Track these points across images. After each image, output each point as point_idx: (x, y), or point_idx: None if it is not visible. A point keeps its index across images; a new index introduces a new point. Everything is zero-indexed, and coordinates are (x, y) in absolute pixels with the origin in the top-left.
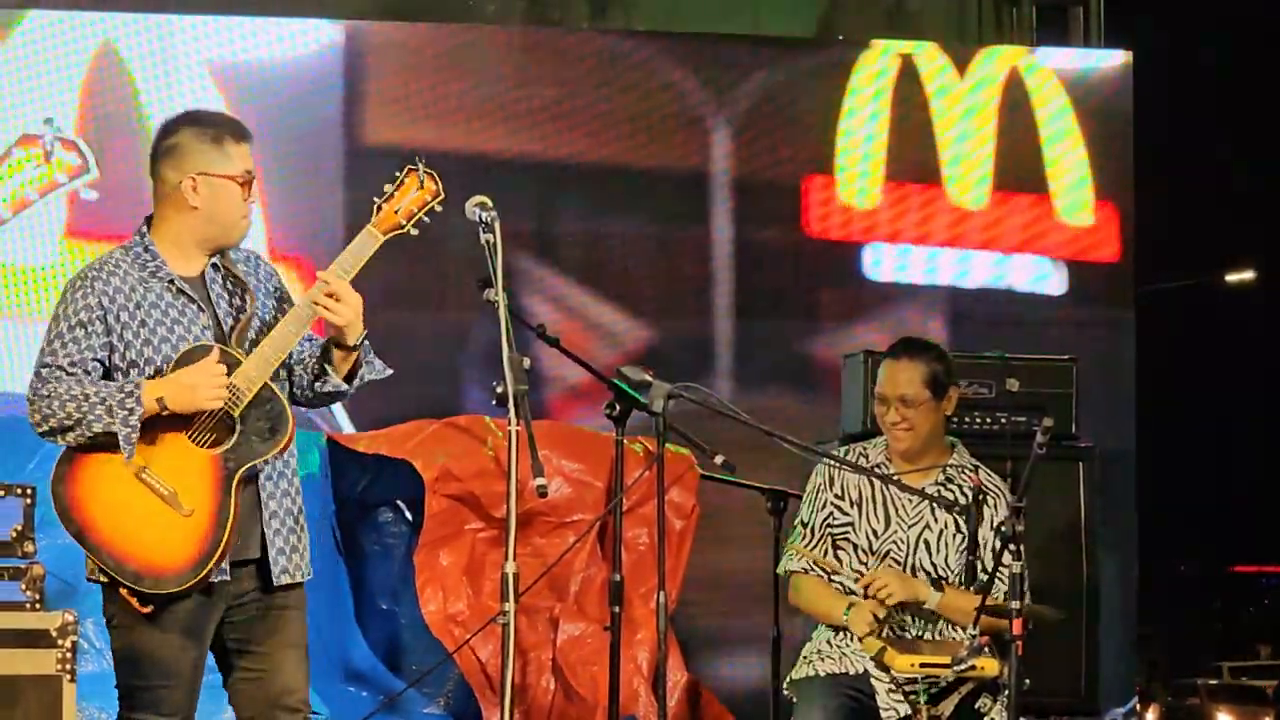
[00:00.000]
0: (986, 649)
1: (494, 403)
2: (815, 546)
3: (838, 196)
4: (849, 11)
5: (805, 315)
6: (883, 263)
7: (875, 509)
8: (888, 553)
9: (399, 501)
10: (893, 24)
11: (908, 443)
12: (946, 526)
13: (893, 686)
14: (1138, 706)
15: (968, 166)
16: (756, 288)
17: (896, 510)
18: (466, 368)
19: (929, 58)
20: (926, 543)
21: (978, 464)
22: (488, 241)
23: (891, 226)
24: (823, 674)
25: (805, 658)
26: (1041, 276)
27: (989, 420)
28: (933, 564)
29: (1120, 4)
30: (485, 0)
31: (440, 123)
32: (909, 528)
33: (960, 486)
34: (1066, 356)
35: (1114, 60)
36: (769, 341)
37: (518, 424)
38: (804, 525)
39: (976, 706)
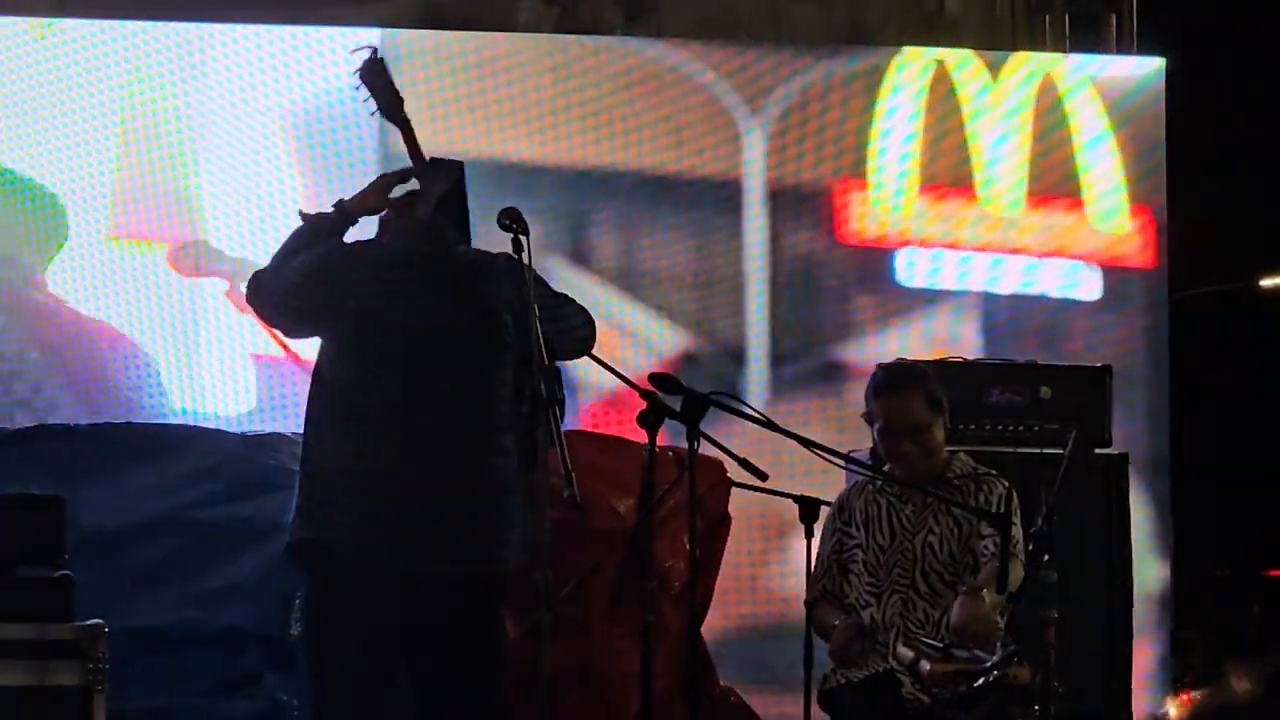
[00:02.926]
0: (1017, 657)
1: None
2: (825, 576)
3: (871, 202)
4: (880, 17)
5: (839, 321)
6: (916, 268)
7: (880, 526)
8: (895, 565)
9: None
10: (924, 30)
11: (924, 466)
12: (945, 527)
13: (918, 687)
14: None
15: (1002, 172)
16: (790, 293)
17: (899, 523)
18: None
19: (963, 63)
20: (930, 546)
21: (976, 465)
22: (518, 250)
23: (925, 232)
24: (854, 680)
25: (833, 669)
26: (1075, 282)
27: (1021, 427)
28: (940, 564)
29: (1154, 10)
30: (517, 8)
31: (475, 129)
32: (913, 536)
33: (964, 488)
34: (1100, 364)
35: (1148, 66)
36: (803, 347)
37: (549, 432)
38: (818, 556)
39: (1008, 715)
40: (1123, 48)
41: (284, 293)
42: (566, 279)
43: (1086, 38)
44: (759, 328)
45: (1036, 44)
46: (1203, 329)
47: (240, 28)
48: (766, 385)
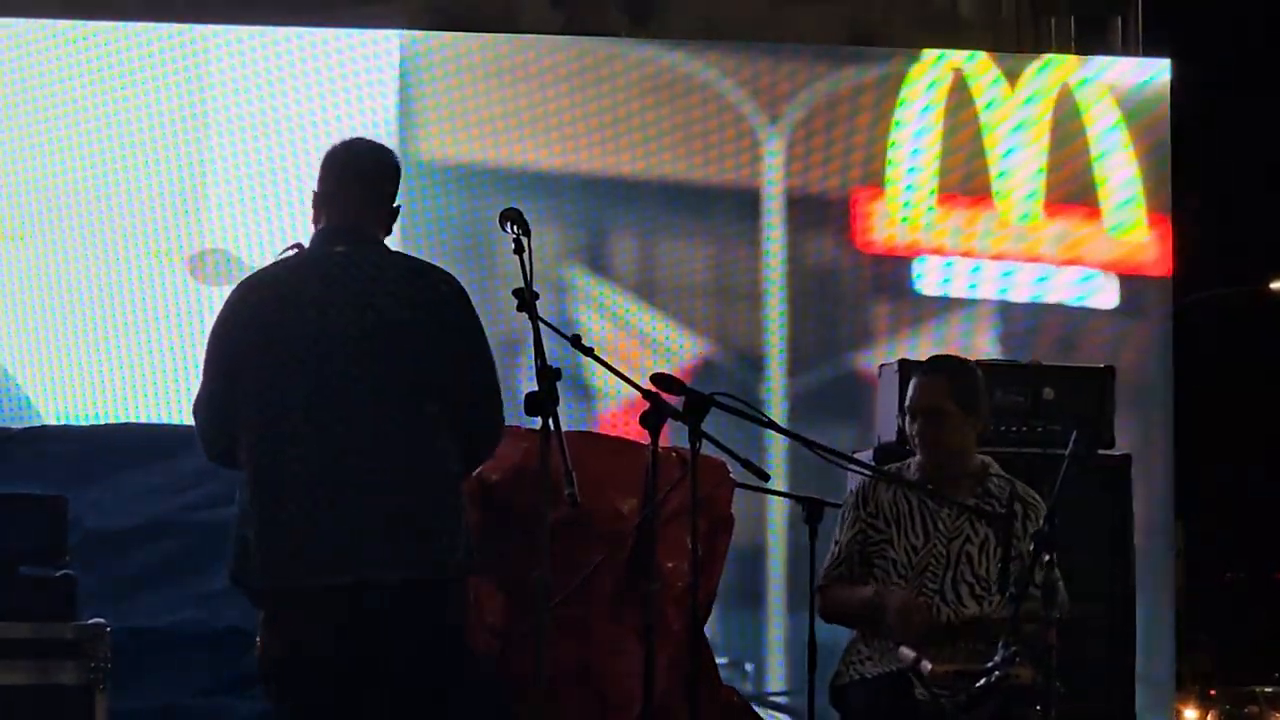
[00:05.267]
0: (1018, 658)
1: (524, 412)
2: (844, 564)
3: (890, 210)
4: (884, 20)
5: (856, 328)
6: (933, 276)
7: (914, 525)
8: (927, 567)
9: None
10: (929, 33)
11: (933, 454)
12: (987, 539)
13: (928, 688)
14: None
15: (1018, 180)
16: (808, 301)
17: (935, 525)
18: (521, 377)
19: (980, 70)
20: (968, 555)
21: (1013, 479)
22: (520, 251)
23: (942, 240)
24: (869, 676)
25: (848, 663)
26: (1092, 290)
27: (1024, 429)
28: (975, 575)
29: (1160, 12)
30: (522, 11)
31: (493, 135)
32: (949, 542)
33: (997, 500)
34: (1102, 365)
35: (1157, 69)
36: (821, 355)
37: (550, 432)
38: (836, 543)
39: (1010, 715)
40: (1128, 50)
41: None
42: (585, 287)
43: (1092, 40)
44: (777, 335)
45: (1041, 46)
46: (1214, 331)
47: (249, 30)
48: (784, 393)
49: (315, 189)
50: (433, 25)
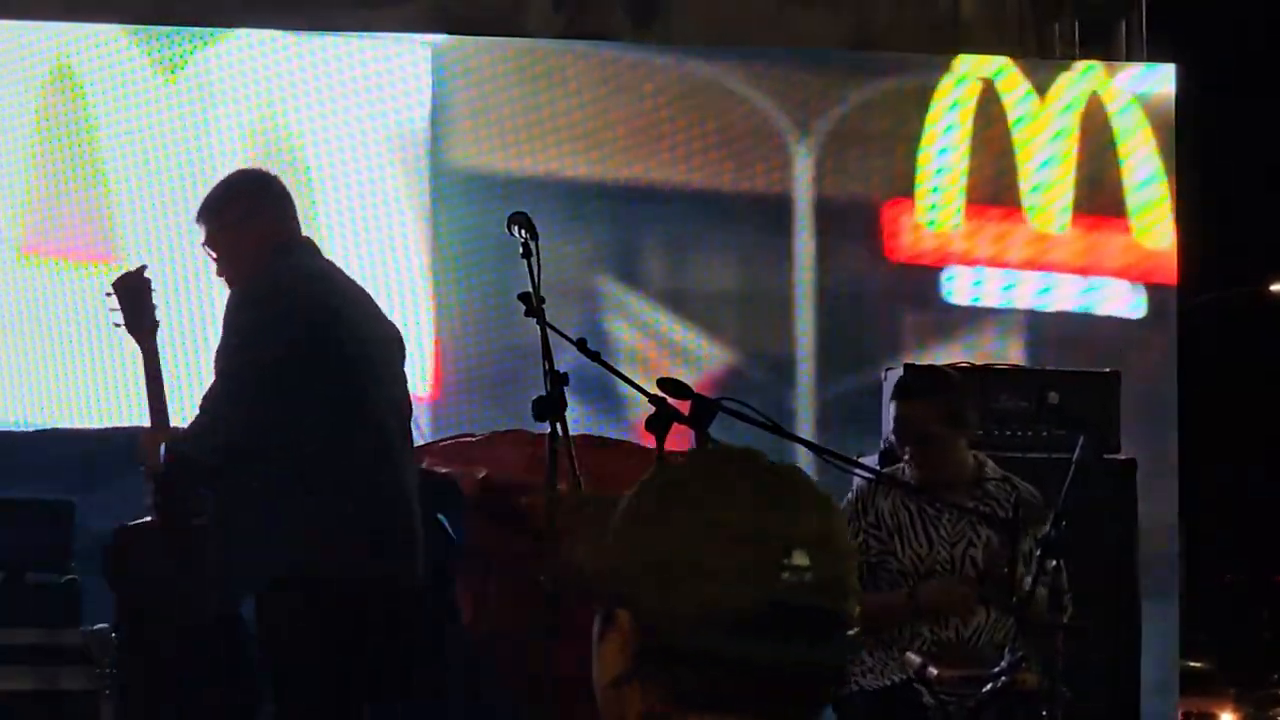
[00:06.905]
0: (1025, 663)
1: (534, 417)
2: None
3: (919, 220)
4: (888, 23)
5: (886, 338)
6: (962, 286)
7: (916, 533)
8: (932, 574)
9: (440, 517)
10: (933, 37)
11: (926, 476)
12: (989, 540)
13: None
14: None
15: (1048, 189)
16: (837, 310)
17: (937, 531)
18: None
19: (1010, 80)
20: (972, 558)
21: (1010, 477)
22: (527, 255)
23: (973, 250)
24: (870, 689)
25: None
26: (1122, 299)
27: (1030, 433)
28: (980, 579)
29: (1163, 14)
30: (525, 13)
31: (524, 144)
32: (952, 546)
33: (998, 500)
34: (1108, 369)
35: (1164, 74)
36: (850, 364)
37: (559, 437)
38: None
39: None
40: (1131, 55)
41: None
42: (614, 296)
43: (1096, 43)
44: (807, 345)
45: (1045, 51)
46: (1213, 333)
47: (255, 33)
48: (814, 402)
49: (242, 218)
50: (435, 29)
